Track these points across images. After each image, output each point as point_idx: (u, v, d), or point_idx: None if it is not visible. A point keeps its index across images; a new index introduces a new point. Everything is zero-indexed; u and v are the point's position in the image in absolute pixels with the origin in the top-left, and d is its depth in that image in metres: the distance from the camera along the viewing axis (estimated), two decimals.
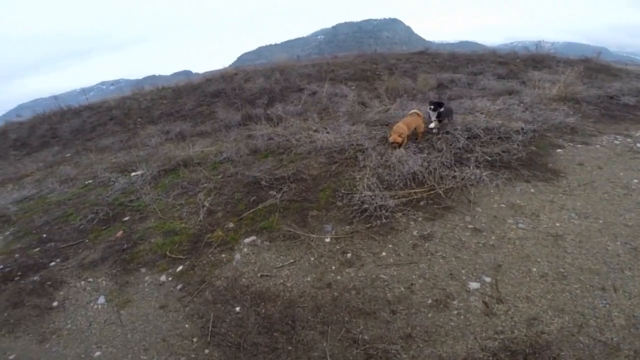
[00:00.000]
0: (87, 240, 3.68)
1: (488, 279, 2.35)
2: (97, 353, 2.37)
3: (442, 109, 4.26)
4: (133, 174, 5.11)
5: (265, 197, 3.62)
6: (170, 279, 2.88)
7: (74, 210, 4.37)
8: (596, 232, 2.71)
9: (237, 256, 2.94)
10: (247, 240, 3.09)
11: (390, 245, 2.77)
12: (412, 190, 3.23)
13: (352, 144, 4.39)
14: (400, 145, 3.92)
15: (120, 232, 3.67)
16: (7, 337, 2.65)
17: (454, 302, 2.25)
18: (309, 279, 2.61)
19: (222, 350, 2.20)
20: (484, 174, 3.38)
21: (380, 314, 2.24)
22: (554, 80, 7.43)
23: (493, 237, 2.72)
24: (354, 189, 3.40)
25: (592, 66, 9.22)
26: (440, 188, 3.24)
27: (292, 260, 2.79)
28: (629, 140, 4.41)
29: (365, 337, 2.13)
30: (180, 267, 2.96)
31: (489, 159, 3.65)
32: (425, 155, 3.73)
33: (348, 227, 3.03)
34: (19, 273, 3.32)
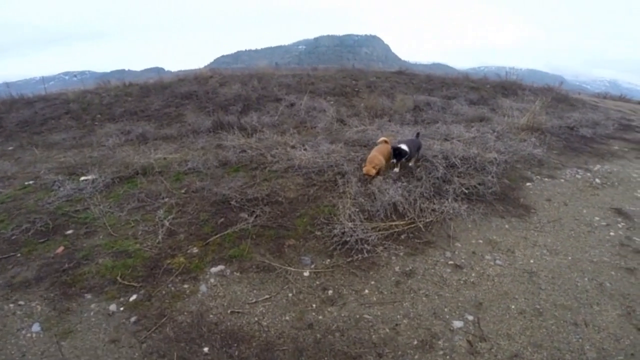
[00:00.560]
0: (19, 255, 3.11)
1: (471, 317, 2.34)
2: None
3: (404, 156, 3.99)
4: (82, 178, 4.54)
5: (235, 220, 3.30)
6: (121, 309, 2.47)
7: (6, 216, 3.74)
8: (566, 268, 2.83)
9: (203, 288, 2.60)
10: (214, 269, 2.76)
11: (372, 282, 2.63)
12: (393, 223, 3.11)
13: (331, 166, 4.21)
14: (373, 177, 3.80)
15: (61, 248, 3.15)
16: None
17: (439, 342, 2.18)
18: (287, 317, 2.35)
19: None
20: (462, 208, 3.38)
21: (367, 358, 2.08)
22: (521, 109, 7.87)
23: (473, 274, 2.73)
24: (334, 217, 3.21)
25: (554, 95, 9.91)
26: (420, 221, 3.17)
27: (267, 296, 2.51)
28: (588, 175, 4.67)
29: None
30: (134, 297, 2.56)
31: (466, 191, 3.66)
32: (405, 184, 3.65)
33: (328, 260, 2.82)
34: None
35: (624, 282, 2.68)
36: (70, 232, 3.37)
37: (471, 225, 3.28)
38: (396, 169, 4.12)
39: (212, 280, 2.66)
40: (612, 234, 3.36)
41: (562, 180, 4.45)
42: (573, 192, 4.15)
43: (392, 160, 3.97)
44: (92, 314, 2.44)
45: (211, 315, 2.36)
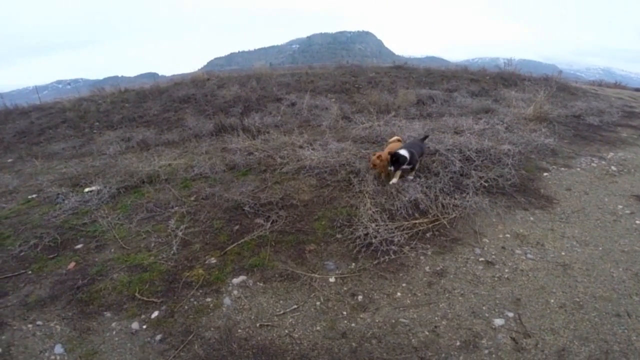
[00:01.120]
0: (29, 272, 2.98)
1: (511, 314, 2.27)
2: None
3: (402, 164, 3.54)
4: (87, 189, 4.40)
5: (251, 227, 3.17)
6: (144, 327, 2.35)
7: (12, 232, 3.60)
8: (598, 259, 2.76)
9: (227, 301, 2.48)
10: (236, 280, 2.64)
11: (404, 284, 2.52)
12: (417, 221, 3.01)
13: (343, 164, 4.09)
14: (378, 168, 3.67)
15: (73, 263, 3.02)
16: None
17: (483, 342, 2.10)
18: (318, 328, 2.24)
19: None
20: (484, 201, 3.29)
21: None
22: (524, 99, 7.78)
23: (506, 270, 2.64)
24: (355, 219, 3.10)
25: (552, 84, 9.82)
26: (444, 218, 3.06)
27: (294, 306, 2.39)
28: (603, 162, 4.59)
29: None
30: (156, 313, 2.43)
31: (486, 184, 3.56)
32: (423, 180, 3.54)
33: (353, 264, 2.71)
34: None
35: None
36: (79, 246, 3.24)
37: (496, 219, 3.18)
38: (394, 180, 3.64)
39: (235, 292, 2.54)
40: (638, 222, 3.27)
41: (579, 169, 4.36)
42: (591, 180, 4.07)
43: (389, 168, 3.53)
44: (114, 333, 2.32)
45: (240, 330, 2.25)
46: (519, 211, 3.31)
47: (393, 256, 2.70)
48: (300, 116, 6.84)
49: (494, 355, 2.01)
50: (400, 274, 2.59)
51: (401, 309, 2.33)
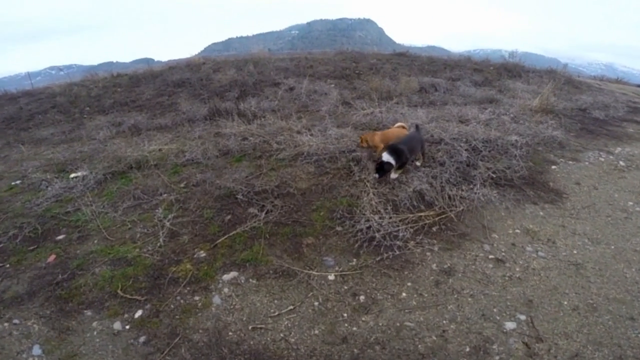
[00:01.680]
0: (7, 266, 2.79)
1: (523, 317, 2.15)
2: None
3: (389, 170, 3.18)
4: (72, 175, 4.18)
5: (244, 217, 2.97)
6: (127, 327, 2.18)
7: None
8: (611, 258, 2.64)
9: (217, 299, 2.30)
10: (226, 277, 2.44)
11: (409, 283, 2.35)
12: (422, 214, 2.82)
13: (343, 151, 3.87)
14: (367, 148, 3.66)
15: (53, 256, 2.83)
16: None
17: (494, 347, 1.97)
18: (316, 331, 2.07)
19: None
20: (492, 194, 3.11)
21: None
22: (529, 91, 7.58)
23: (517, 269, 2.49)
24: (355, 209, 2.91)
25: (558, 78, 9.59)
26: (451, 211, 2.88)
27: (290, 307, 2.21)
28: (611, 157, 4.44)
29: None
30: (140, 312, 2.26)
31: (494, 176, 3.38)
32: (428, 169, 3.35)
33: (355, 260, 2.52)
34: None
35: None
36: (61, 237, 3.04)
37: (504, 213, 3.01)
38: (394, 174, 3.32)
39: (225, 289, 2.36)
40: None
41: (587, 163, 4.20)
42: (600, 175, 3.92)
43: (374, 175, 3.21)
44: (95, 333, 2.15)
45: (230, 333, 2.07)
46: (528, 205, 3.15)
47: (397, 252, 2.52)
48: (298, 101, 6.58)
49: None
50: (406, 272, 2.41)
51: (406, 311, 2.17)
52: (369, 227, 2.66)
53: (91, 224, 3.11)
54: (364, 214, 2.81)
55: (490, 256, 2.58)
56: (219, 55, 13.33)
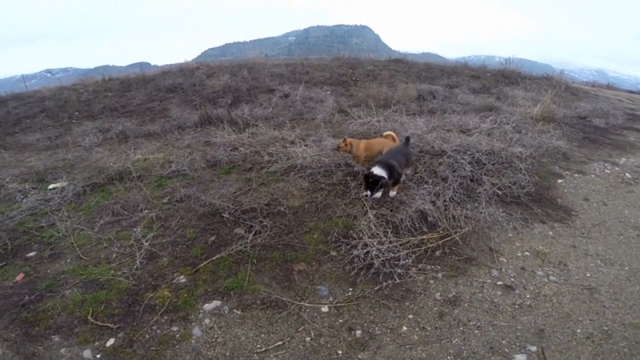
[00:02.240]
0: None
1: (534, 348, 1.98)
2: None
3: (380, 185, 2.92)
4: (51, 186, 3.92)
5: (229, 238, 2.73)
6: (98, 356, 1.96)
7: None
8: (625, 280, 2.48)
9: (197, 331, 2.07)
10: (208, 306, 2.21)
11: (410, 316, 2.13)
12: (425, 236, 2.60)
13: (339, 164, 3.65)
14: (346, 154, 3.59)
15: (22, 274, 2.58)
16: None
17: None
18: None
19: None
20: (499, 213, 2.91)
21: None
22: (528, 98, 7.47)
23: (528, 296, 2.30)
24: (352, 232, 2.68)
25: (553, 84, 9.52)
26: (456, 233, 2.66)
27: (279, 342, 1.98)
28: (617, 169, 4.30)
29: None
30: (112, 341, 2.03)
31: (499, 192, 3.18)
32: (430, 186, 3.14)
33: (351, 290, 2.29)
34: None
35: None
36: (32, 254, 2.79)
37: (512, 233, 2.81)
38: (393, 192, 3.09)
39: (206, 320, 2.12)
40: None
41: (593, 175, 4.04)
42: (608, 189, 3.75)
43: (365, 193, 2.94)
44: None
45: None
46: (536, 224, 2.95)
47: (398, 280, 2.30)
48: (293, 108, 6.39)
49: None
50: (407, 303, 2.19)
51: (407, 347, 1.95)
52: (366, 253, 2.43)
53: (65, 241, 2.87)
54: (361, 238, 2.58)
55: (499, 282, 2.38)
56: (214, 60, 13.16)
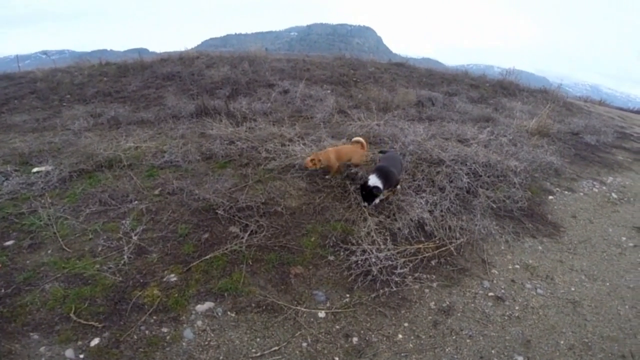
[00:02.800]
0: None
1: (520, 358, 2.07)
2: None
3: (377, 196, 2.86)
4: (35, 169, 3.78)
5: (223, 237, 2.65)
6: (82, 356, 1.88)
7: None
8: (606, 295, 2.60)
9: (188, 333, 2.00)
10: (200, 307, 2.14)
11: (406, 324, 2.16)
12: (422, 245, 2.62)
13: (338, 167, 3.60)
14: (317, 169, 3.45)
15: None
16: None
17: None
18: None
19: None
20: (492, 225, 2.96)
21: None
22: (524, 111, 7.56)
23: (517, 307, 2.39)
24: (350, 237, 2.66)
25: (550, 98, 9.66)
26: (451, 243, 2.69)
27: (275, 347, 1.95)
28: (604, 188, 4.40)
29: None
30: (97, 341, 1.95)
31: (494, 206, 3.21)
32: (428, 195, 3.14)
33: (348, 296, 2.29)
34: None
35: None
36: (10, 243, 2.66)
37: (504, 247, 2.87)
38: (369, 203, 2.94)
39: (199, 322, 2.06)
40: None
41: (581, 193, 4.12)
42: (595, 207, 3.84)
43: (363, 204, 2.90)
44: None
45: None
46: (527, 238, 3.01)
47: (394, 288, 2.31)
48: (292, 105, 6.32)
49: None
50: (402, 311, 2.22)
51: (403, 354, 1.97)
52: (365, 260, 2.42)
53: (47, 230, 2.75)
54: (360, 244, 2.56)
55: (490, 294, 2.45)
56: (214, 51, 12.96)
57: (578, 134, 6.66)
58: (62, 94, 7.88)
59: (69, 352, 1.89)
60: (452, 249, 2.67)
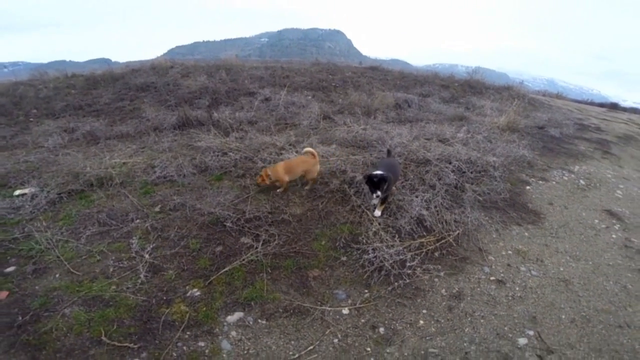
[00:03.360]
0: None
1: (531, 332, 2.29)
2: None
3: (383, 190, 2.87)
4: (17, 192, 3.59)
5: (237, 248, 2.70)
6: None
7: None
8: (591, 273, 2.87)
9: (226, 344, 2.04)
10: (231, 318, 2.18)
11: (424, 311, 2.35)
12: (423, 240, 2.82)
13: (334, 172, 3.75)
14: (270, 186, 3.44)
15: (5, 292, 2.35)
16: None
17: None
18: None
19: None
20: (482, 217, 3.22)
21: None
22: (494, 108, 8.07)
23: (517, 288, 2.62)
24: (359, 238, 2.82)
25: (513, 94, 10.35)
26: (449, 235, 2.91)
27: (310, 347, 2.04)
28: (573, 176, 4.81)
29: None
30: None
31: (480, 198, 3.49)
32: (421, 193, 3.35)
33: (367, 291, 2.43)
34: None
35: None
36: (11, 269, 2.55)
37: (495, 235, 3.12)
38: (377, 212, 3.07)
39: (233, 333, 2.10)
40: (613, 236, 3.45)
41: (554, 182, 4.50)
42: (567, 194, 4.22)
43: (373, 196, 2.94)
44: None
45: None
46: (514, 226, 3.29)
47: (407, 280, 2.50)
48: (276, 113, 6.38)
49: None
50: (418, 300, 2.41)
51: (428, 338, 2.16)
52: (375, 257, 2.59)
53: (48, 254, 2.66)
54: (370, 243, 2.72)
55: (492, 278, 2.67)
56: (186, 59, 12.68)
57: (543, 127, 7.18)
58: (27, 109, 7.44)
59: None
60: (451, 240, 2.90)
